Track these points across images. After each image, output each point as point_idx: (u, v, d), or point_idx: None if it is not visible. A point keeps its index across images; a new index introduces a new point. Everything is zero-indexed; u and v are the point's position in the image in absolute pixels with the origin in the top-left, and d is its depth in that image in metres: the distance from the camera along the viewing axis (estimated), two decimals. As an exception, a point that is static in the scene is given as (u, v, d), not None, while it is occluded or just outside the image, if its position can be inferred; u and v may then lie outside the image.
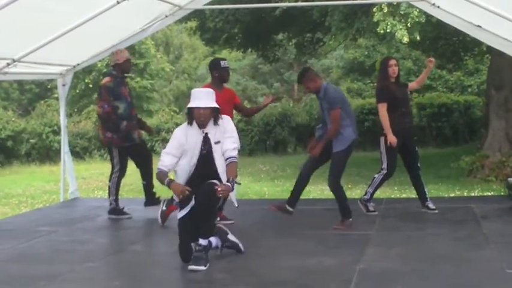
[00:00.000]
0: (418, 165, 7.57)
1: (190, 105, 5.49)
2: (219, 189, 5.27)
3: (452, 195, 11.01)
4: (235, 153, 5.54)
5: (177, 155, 5.54)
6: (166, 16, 8.17)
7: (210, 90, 5.77)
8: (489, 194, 10.96)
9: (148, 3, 7.46)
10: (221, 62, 7.25)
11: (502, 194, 9.83)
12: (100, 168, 17.56)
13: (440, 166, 14.54)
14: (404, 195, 10.83)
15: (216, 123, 5.55)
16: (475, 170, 13.47)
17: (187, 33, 29.69)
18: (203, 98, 5.49)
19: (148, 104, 31.75)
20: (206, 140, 5.52)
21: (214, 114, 5.52)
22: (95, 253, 6.30)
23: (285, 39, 19.67)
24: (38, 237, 6.88)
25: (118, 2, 7.09)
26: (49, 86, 28.58)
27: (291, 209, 7.03)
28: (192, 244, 5.41)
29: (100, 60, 15.13)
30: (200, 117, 5.46)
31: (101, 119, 7.63)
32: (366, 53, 26.66)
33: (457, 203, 8.70)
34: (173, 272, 5.44)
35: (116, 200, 7.78)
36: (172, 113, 25.44)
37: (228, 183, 5.36)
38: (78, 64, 8.55)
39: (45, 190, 13.81)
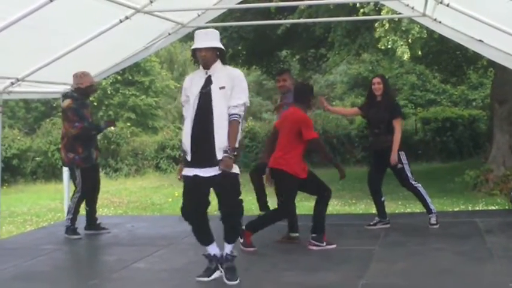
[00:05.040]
0: (411, 182, 7.47)
1: (192, 46, 5.26)
2: (221, 168, 5.08)
3: (456, 209, 10.97)
4: (238, 110, 5.32)
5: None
6: (169, 34, 8.22)
7: (214, 30, 5.36)
8: (493, 208, 10.92)
9: (151, 21, 7.50)
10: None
11: (507, 207, 9.82)
12: (105, 186, 17.46)
13: (444, 180, 14.51)
14: (408, 210, 10.80)
15: (223, 64, 5.34)
16: (480, 184, 13.43)
17: (192, 51, 29.76)
18: (205, 38, 5.22)
19: (153, 121, 31.85)
20: (208, 81, 5.25)
21: (219, 55, 5.28)
22: (97, 271, 6.33)
23: (289, 56, 19.77)
24: (42, 255, 6.89)
25: (121, 21, 7.16)
26: (54, 105, 28.67)
27: (296, 234, 7.04)
28: (219, 254, 5.42)
29: (104, 79, 15.19)
30: (202, 59, 5.22)
31: (78, 136, 7.56)
32: (370, 68, 26.69)
33: (461, 217, 8.68)
34: (176, 289, 5.45)
35: (72, 219, 7.75)
36: (177, 130, 25.42)
37: (227, 156, 5.08)
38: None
39: (50, 208, 13.80)
